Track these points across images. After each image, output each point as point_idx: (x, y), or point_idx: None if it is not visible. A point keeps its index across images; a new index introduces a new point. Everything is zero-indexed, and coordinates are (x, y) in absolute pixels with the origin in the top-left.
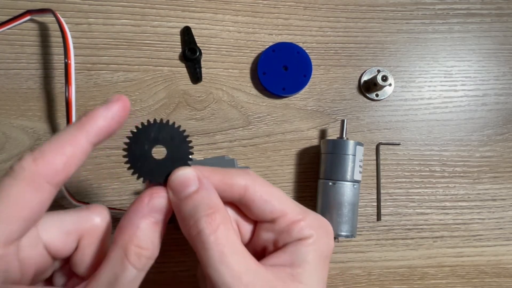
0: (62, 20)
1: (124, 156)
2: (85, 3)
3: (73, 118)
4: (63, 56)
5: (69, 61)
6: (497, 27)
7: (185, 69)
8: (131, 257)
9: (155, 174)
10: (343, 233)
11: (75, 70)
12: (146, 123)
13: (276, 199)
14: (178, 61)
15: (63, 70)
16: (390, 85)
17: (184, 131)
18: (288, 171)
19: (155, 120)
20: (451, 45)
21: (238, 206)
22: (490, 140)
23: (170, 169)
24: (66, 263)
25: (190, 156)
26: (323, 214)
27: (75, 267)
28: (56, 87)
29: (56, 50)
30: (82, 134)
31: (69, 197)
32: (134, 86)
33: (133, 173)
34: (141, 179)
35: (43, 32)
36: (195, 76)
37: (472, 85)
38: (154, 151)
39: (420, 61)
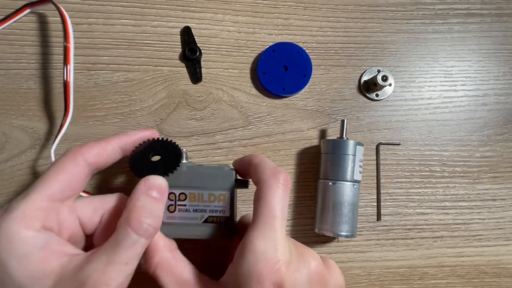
0: (61, 7)
1: (128, 161)
2: (85, 3)
3: (71, 101)
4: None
5: (69, 45)
6: (497, 27)
7: (185, 69)
8: (133, 223)
9: (151, 172)
10: (343, 233)
11: (76, 70)
12: (147, 141)
13: (263, 208)
14: (178, 61)
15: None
16: (390, 85)
17: (176, 144)
18: (288, 171)
19: (153, 139)
20: (451, 45)
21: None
22: (490, 140)
23: (162, 170)
24: (90, 246)
25: (183, 161)
26: (323, 214)
27: (96, 239)
28: (56, 87)
29: (56, 50)
30: (115, 139)
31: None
32: (134, 86)
33: (132, 171)
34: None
35: (43, 28)
36: (195, 76)
37: (472, 85)
38: (153, 159)
39: (420, 61)
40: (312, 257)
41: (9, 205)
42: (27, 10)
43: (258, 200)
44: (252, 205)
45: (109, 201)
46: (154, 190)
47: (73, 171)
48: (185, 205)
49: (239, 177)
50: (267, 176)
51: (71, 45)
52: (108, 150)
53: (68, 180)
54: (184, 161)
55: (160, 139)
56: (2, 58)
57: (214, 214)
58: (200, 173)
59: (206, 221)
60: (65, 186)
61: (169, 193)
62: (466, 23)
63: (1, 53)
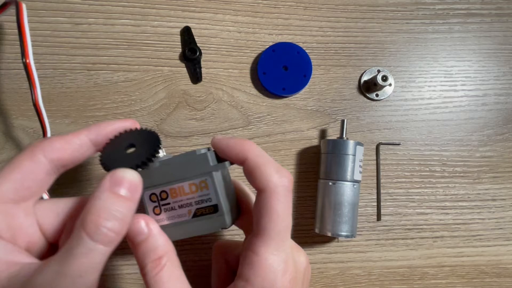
0: (23, 13)
1: (99, 156)
2: (85, 3)
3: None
4: (63, 56)
5: (27, 60)
6: (497, 27)
7: (185, 69)
8: (87, 226)
9: (122, 165)
10: (343, 233)
11: (76, 70)
12: (123, 132)
13: (270, 220)
14: (178, 61)
15: (62, 70)
16: (390, 85)
17: (153, 132)
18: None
19: (130, 129)
20: (451, 45)
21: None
22: (490, 140)
23: (135, 162)
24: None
25: (156, 155)
26: (323, 214)
27: (60, 246)
28: (56, 87)
29: (57, 50)
30: (84, 130)
31: None
32: (134, 86)
33: (102, 165)
34: (109, 169)
35: (43, 28)
36: (195, 76)
37: (472, 85)
38: (128, 151)
39: (420, 61)
40: (302, 255)
41: None
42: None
43: (264, 209)
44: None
45: (75, 204)
46: (121, 186)
47: (29, 168)
48: (169, 203)
49: (218, 157)
50: (273, 184)
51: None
52: (75, 144)
53: (22, 179)
54: (159, 155)
55: (137, 129)
56: (2, 58)
57: (201, 206)
58: (173, 164)
59: (195, 215)
60: (19, 186)
61: (150, 194)
62: (466, 23)
63: (1, 53)
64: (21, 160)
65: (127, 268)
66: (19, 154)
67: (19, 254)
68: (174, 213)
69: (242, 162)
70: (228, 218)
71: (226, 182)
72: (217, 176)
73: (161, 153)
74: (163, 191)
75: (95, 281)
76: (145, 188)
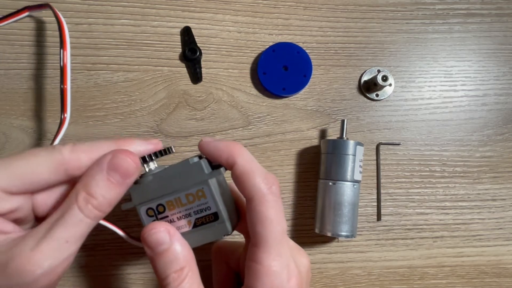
0: (58, 13)
1: None
2: (85, 3)
3: (68, 107)
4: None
5: (65, 52)
6: (497, 27)
7: (185, 69)
8: (80, 200)
9: None
10: (343, 233)
11: (75, 70)
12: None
13: (265, 227)
14: (178, 61)
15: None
16: (390, 85)
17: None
18: (288, 171)
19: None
20: (451, 45)
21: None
22: (490, 140)
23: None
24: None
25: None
26: (323, 214)
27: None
28: (56, 87)
29: (57, 50)
30: (114, 144)
31: None
32: (134, 86)
33: None
34: None
35: (43, 28)
36: (195, 76)
37: (472, 85)
38: None
39: (420, 61)
40: (303, 256)
41: None
42: (26, 13)
43: (256, 218)
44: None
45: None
46: (117, 172)
47: (46, 177)
48: (167, 216)
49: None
50: (262, 193)
51: (68, 53)
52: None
53: (33, 183)
54: (151, 167)
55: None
56: (2, 58)
57: (201, 215)
58: (167, 177)
59: (195, 225)
60: (27, 187)
61: (147, 209)
62: (466, 23)
63: (1, 53)
64: (40, 166)
65: (127, 268)
66: (40, 155)
67: (5, 224)
68: (174, 226)
69: (230, 166)
70: (229, 225)
71: (223, 188)
72: (213, 183)
73: (153, 166)
74: (160, 204)
75: (76, 250)
76: (141, 203)
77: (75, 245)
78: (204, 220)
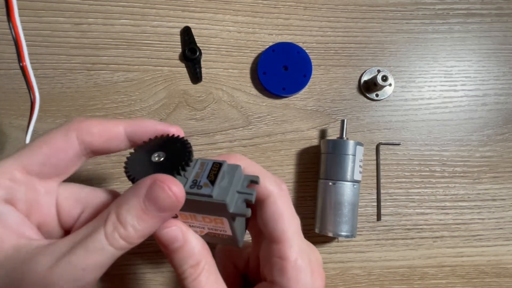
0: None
1: (125, 162)
2: (85, 3)
3: (35, 87)
4: (63, 56)
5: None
6: (497, 27)
7: (185, 69)
8: (108, 225)
9: (145, 175)
10: (343, 233)
11: (76, 70)
12: (159, 136)
13: (284, 223)
14: (178, 61)
15: (62, 70)
16: (390, 85)
17: (187, 141)
18: (288, 171)
19: (166, 135)
20: (451, 45)
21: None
22: (490, 140)
23: (165, 171)
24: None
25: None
26: (323, 214)
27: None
28: (56, 87)
29: (57, 50)
30: (124, 123)
31: None
32: (134, 86)
33: (126, 174)
34: (133, 179)
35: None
36: (195, 76)
37: (472, 85)
38: (155, 159)
39: (420, 61)
40: (316, 251)
41: None
42: None
43: (276, 214)
44: (264, 220)
45: (97, 195)
46: (152, 204)
47: (59, 146)
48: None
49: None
50: (277, 191)
51: (18, 24)
52: (111, 133)
53: (50, 155)
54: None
55: (175, 136)
56: (2, 58)
57: (215, 232)
58: (186, 200)
59: (207, 235)
60: (45, 160)
61: None
62: (466, 23)
63: (1, 53)
64: (53, 136)
65: (127, 268)
66: (53, 129)
67: (30, 228)
68: None
69: None
70: (241, 242)
71: (241, 218)
72: (236, 220)
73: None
74: None
75: (94, 280)
76: None
77: (92, 275)
78: (217, 235)
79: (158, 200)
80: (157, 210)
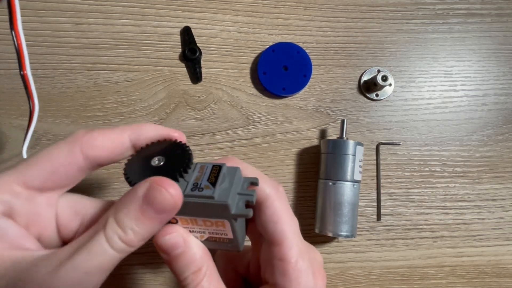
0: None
1: (124, 166)
2: (85, 3)
3: (34, 95)
4: (63, 56)
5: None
6: (497, 27)
7: (185, 69)
8: (108, 228)
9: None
10: (343, 233)
11: (76, 70)
12: (161, 141)
13: (283, 224)
14: (178, 61)
15: (62, 70)
16: (390, 85)
17: (186, 146)
18: (288, 171)
19: (166, 140)
20: (451, 45)
21: None
22: (490, 140)
23: (165, 175)
24: None
25: (187, 165)
26: (323, 214)
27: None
28: (56, 87)
29: (56, 50)
30: (128, 130)
31: None
32: (134, 86)
33: (125, 177)
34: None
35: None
36: (195, 76)
37: (472, 85)
38: (155, 163)
39: (420, 61)
40: (316, 252)
41: None
42: None
43: (275, 216)
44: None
45: (98, 207)
46: (150, 206)
47: (63, 161)
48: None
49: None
50: (274, 193)
51: (20, 32)
52: (116, 143)
53: (53, 171)
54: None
55: (175, 141)
56: (2, 58)
57: (215, 236)
58: (187, 203)
59: (207, 240)
60: (47, 176)
61: None
62: (466, 23)
63: (1, 53)
64: (56, 151)
65: (127, 268)
66: (57, 143)
67: (29, 240)
68: None
69: None
70: (242, 245)
71: (241, 220)
72: (237, 222)
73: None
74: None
75: (97, 284)
76: None
77: (95, 278)
78: (218, 239)
79: (156, 202)
80: (155, 212)
